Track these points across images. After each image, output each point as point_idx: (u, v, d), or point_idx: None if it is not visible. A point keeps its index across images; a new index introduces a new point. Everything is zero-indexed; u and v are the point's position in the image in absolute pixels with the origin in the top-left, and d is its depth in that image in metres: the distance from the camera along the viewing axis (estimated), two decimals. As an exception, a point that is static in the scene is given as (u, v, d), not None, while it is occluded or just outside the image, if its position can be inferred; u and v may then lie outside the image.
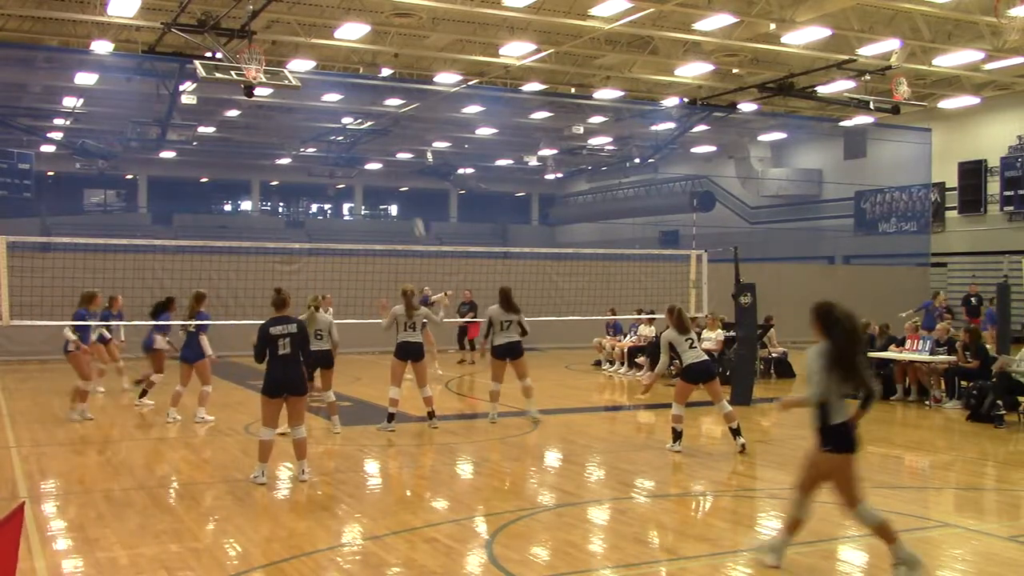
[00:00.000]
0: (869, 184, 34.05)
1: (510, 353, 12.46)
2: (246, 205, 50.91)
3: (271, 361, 8.97)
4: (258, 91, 18.31)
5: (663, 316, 13.85)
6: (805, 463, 6.47)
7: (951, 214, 31.11)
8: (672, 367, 13.02)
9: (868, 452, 11.32)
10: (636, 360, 19.65)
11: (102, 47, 22.49)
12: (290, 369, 8.99)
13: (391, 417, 12.13)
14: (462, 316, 19.87)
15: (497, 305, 12.56)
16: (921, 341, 15.27)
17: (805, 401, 6.41)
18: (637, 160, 39.53)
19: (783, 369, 19.22)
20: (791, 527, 6.49)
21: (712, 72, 26.22)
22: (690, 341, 10.88)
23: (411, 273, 21.05)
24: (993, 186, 29.40)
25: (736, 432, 10.94)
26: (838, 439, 6.24)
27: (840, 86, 25.57)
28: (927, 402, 14.90)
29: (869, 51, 22.96)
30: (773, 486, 9.52)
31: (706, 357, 11.16)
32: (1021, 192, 28.16)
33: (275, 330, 9.00)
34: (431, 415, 12.43)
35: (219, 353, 17.61)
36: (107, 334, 16.11)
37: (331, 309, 15.77)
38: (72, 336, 12.95)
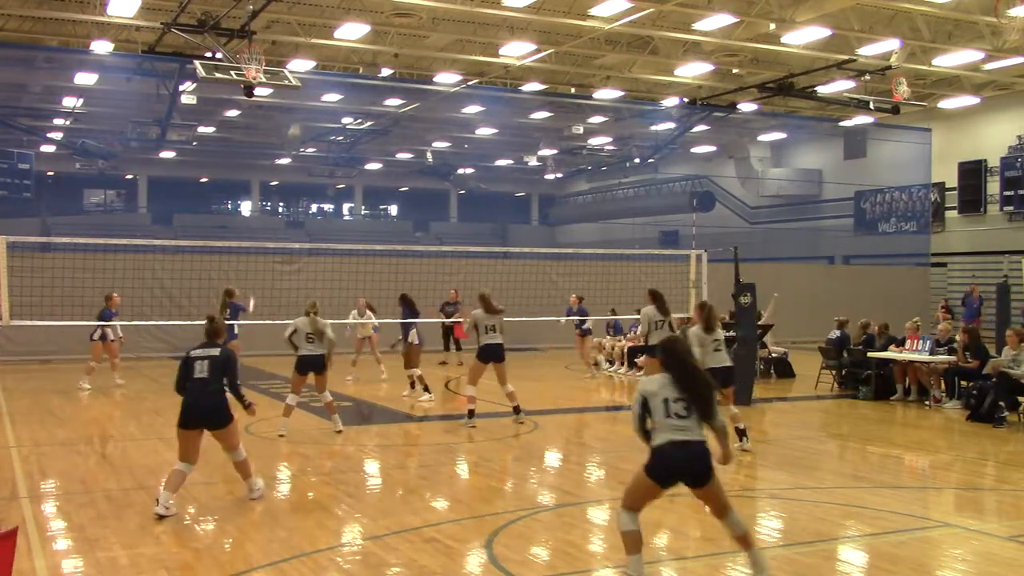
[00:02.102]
0: (869, 184, 34.05)
1: (493, 356, 12.47)
2: (246, 205, 50.90)
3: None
4: (258, 91, 18.31)
5: (676, 316, 13.96)
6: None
7: (951, 214, 31.11)
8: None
9: (868, 452, 11.38)
10: (636, 360, 19.64)
11: (102, 47, 22.48)
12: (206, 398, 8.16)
13: (471, 413, 12.42)
14: (447, 316, 19.73)
15: (480, 309, 12.56)
16: (921, 341, 15.27)
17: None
18: (637, 160, 39.53)
19: (783, 369, 19.21)
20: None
21: (712, 72, 26.22)
22: (716, 343, 10.68)
23: (411, 273, 21.07)
24: (993, 186, 29.40)
25: (742, 433, 10.91)
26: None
27: (840, 86, 25.57)
28: (927, 402, 14.90)
29: (869, 51, 22.96)
30: (773, 486, 9.53)
31: (730, 362, 11.02)
32: (1021, 192, 28.15)
33: (195, 353, 8.30)
34: (517, 410, 12.60)
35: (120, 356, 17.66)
36: (109, 333, 16.21)
37: (370, 313, 17.23)
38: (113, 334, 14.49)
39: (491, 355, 12.38)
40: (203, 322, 13.07)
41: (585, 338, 19.11)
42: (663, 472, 6.00)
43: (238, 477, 9.50)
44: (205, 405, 8.10)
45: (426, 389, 14.69)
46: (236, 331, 15.20)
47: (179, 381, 8.26)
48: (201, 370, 8.13)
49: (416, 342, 14.67)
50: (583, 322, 18.96)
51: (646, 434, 6.16)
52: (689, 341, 10.59)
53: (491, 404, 13.58)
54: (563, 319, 19.39)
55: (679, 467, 5.99)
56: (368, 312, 17.40)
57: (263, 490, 8.50)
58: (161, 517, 7.65)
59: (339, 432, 11.78)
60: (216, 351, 8.28)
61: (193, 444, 8.11)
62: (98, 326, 16.19)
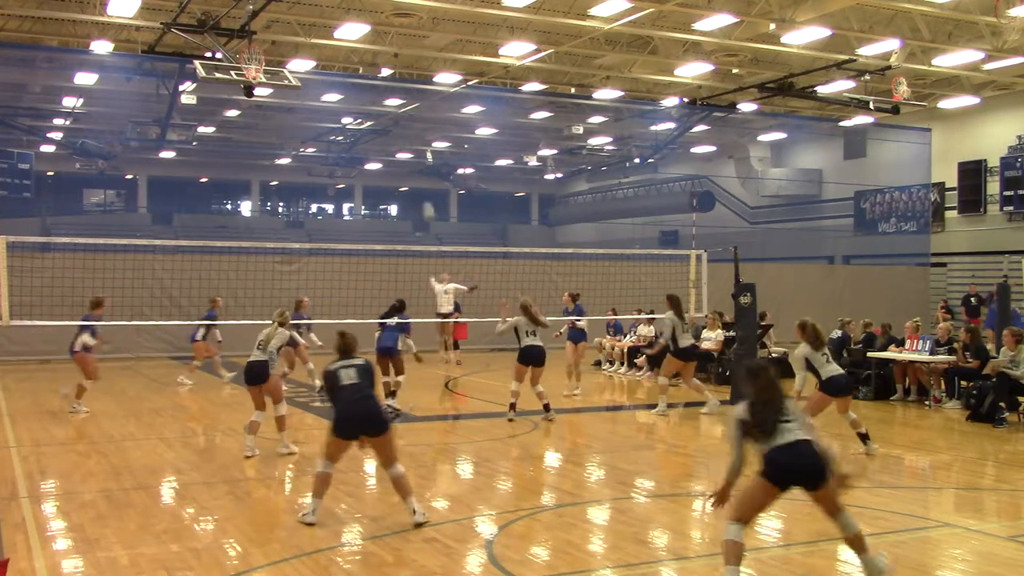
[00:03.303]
0: (869, 184, 34.04)
1: (534, 359, 12.95)
2: (246, 205, 50.88)
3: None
4: (258, 91, 18.28)
5: (663, 316, 14.01)
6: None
7: (951, 214, 31.08)
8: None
9: (868, 452, 11.36)
10: (635, 360, 19.66)
11: (102, 47, 22.47)
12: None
13: (513, 407, 12.97)
14: (445, 316, 19.68)
15: (521, 316, 13.02)
16: (921, 341, 15.27)
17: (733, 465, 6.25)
18: (637, 160, 39.48)
19: (783, 369, 19.16)
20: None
21: (712, 72, 26.21)
22: (826, 356, 10.75)
23: (411, 273, 21.07)
24: (993, 186, 29.37)
25: (864, 437, 10.93)
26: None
27: (840, 86, 25.55)
28: (927, 402, 14.90)
29: (869, 51, 22.95)
30: (773, 486, 9.51)
31: (842, 371, 11.07)
32: (1021, 192, 28.13)
33: (335, 366, 7.98)
34: (547, 408, 13.05)
35: (220, 353, 17.69)
36: (211, 333, 17.01)
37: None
38: (91, 341, 13.38)
39: (532, 357, 12.89)
40: (201, 322, 13.08)
41: (578, 344, 16.37)
42: (780, 476, 6.03)
43: (239, 478, 9.51)
44: (360, 411, 7.69)
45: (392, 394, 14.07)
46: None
47: (329, 393, 7.89)
48: (349, 377, 7.78)
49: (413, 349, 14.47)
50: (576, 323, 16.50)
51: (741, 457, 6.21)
52: (799, 362, 10.78)
53: (491, 404, 13.57)
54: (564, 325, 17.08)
55: (793, 470, 6.04)
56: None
57: (426, 516, 7.64)
58: (309, 524, 7.57)
59: (289, 454, 10.66)
60: (359, 360, 7.97)
61: (343, 450, 7.88)
62: (200, 326, 16.80)
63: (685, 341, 13.80)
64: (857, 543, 6.12)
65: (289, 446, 10.77)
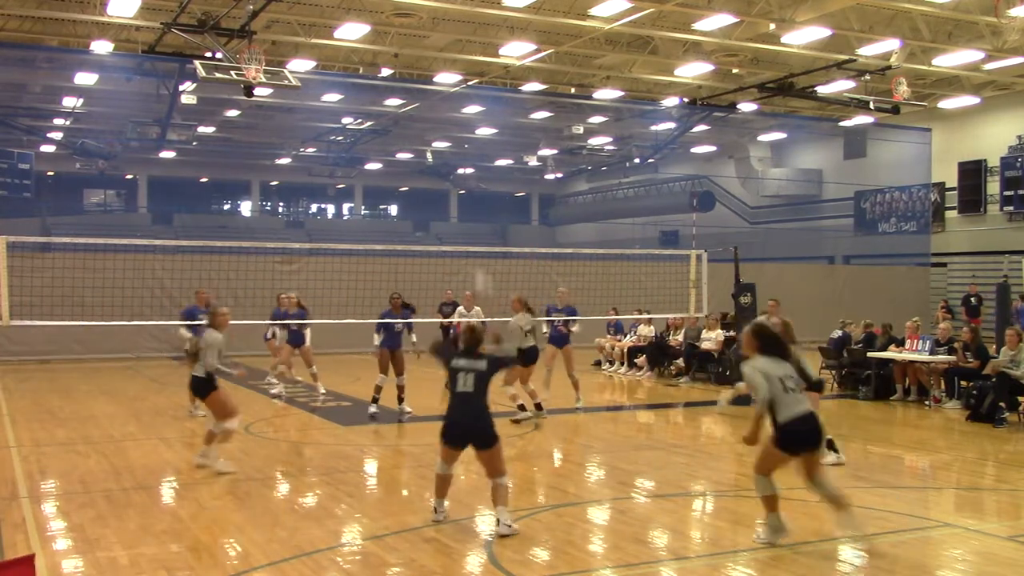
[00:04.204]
0: (869, 184, 34.05)
1: (532, 359, 13.05)
2: (246, 205, 50.91)
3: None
4: (258, 91, 18.29)
5: (676, 316, 13.85)
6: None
7: (951, 214, 31.10)
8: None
9: (868, 452, 11.37)
10: (635, 360, 19.66)
11: (102, 47, 22.49)
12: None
13: (540, 406, 13.19)
14: (445, 316, 19.62)
15: (523, 313, 13.11)
16: (921, 341, 15.27)
17: (759, 412, 6.96)
18: (637, 160, 39.51)
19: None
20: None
21: (712, 72, 26.22)
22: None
23: (411, 273, 21.07)
24: (993, 186, 29.39)
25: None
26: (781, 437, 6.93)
27: (840, 86, 25.57)
28: (927, 402, 14.90)
29: (869, 51, 22.96)
30: (773, 486, 9.52)
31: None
32: (1021, 192, 28.15)
33: (458, 363, 7.62)
34: (539, 407, 13.22)
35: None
36: (279, 332, 16.65)
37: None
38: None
39: (532, 358, 13.00)
40: (202, 323, 13.13)
41: (564, 348, 14.45)
42: (795, 444, 6.87)
43: (240, 478, 9.51)
44: (468, 424, 7.50)
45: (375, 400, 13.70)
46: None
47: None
48: (465, 384, 7.51)
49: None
50: (567, 325, 14.57)
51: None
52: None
53: (492, 404, 13.55)
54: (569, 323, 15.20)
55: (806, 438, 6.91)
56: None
57: (513, 529, 7.29)
58: (437, 521, 7.61)
59: (222, 473, 9.50)
60: (483, 364, 7.58)
61: (455, 455, 7.69)
62: (271, 325, 16.87)
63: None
64: (836, 502, 6.98)
65: (209, 458, 9.54)
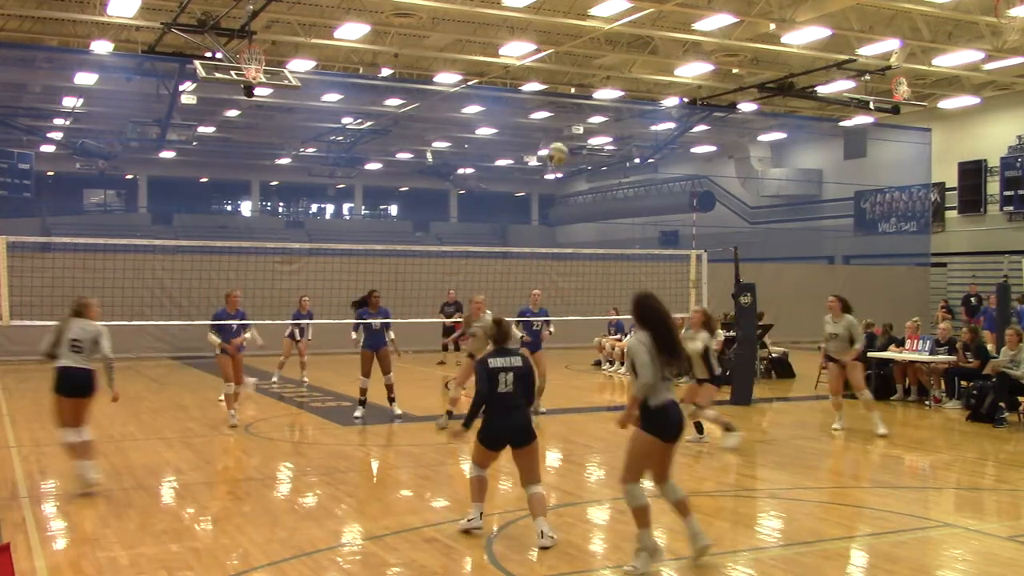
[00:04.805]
0: (869, 184, 34.04)
1: None
2: (246, 205, 50.90)
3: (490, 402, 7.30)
4: (258, 91, 18.28)
5: (675, 316, 13.70)
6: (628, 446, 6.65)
7: (951, 214, 31.08)
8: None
9: (868, 452, 11.37)
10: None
11: (102, 47, 22.47)
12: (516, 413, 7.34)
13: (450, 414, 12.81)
14: (448, 317, 19.59)
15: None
16: (921, 341, 15.27)
17: (638, 393, 6.49)
18: (637, 160, 39.50)
19: (783, 369, 19.21)
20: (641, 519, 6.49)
21: (712, 72, 26.20)
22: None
23: (411, 273, 21.07)
24: (993, 186, 29.37)
25: (699, 427, 11.38)
26: (653, 421, 6.44)
27: (840, 86, 25.55)
28: (927, 402, 14.90)
29: (869, 51, 22.95)
30: (773, 486, 9.53)
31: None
32: (1021, 192, 28.13)
33: (496, 363, 7.33)
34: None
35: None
36: (297, 333, 17.25)
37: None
38: (216, 340, 12.51)
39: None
40: (202, 322, 13.08)
41: (536, 353, 13.33)
42: (671, 429, 6.48)
43: (239, 478, 9.51)
44: (511, 424, 7.26)
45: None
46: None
47: (481, 384, 7.27)
48: (507, 383, 7.23)
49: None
50: (539, 327, 14.01)
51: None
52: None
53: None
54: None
55: (680, 424, 6.53)
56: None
57: (555, 539, 7.03)
58: (467, 531, 7.36)
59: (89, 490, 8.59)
60: (519, 360, 7.37)
61: (492, 459, 7.45)
62: (292, 325, 17.27)
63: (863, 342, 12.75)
64: (681, 507, 6.65)
65: (87, 475, 8.65)
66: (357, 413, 13.15)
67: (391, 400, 13.39)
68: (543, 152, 15.83)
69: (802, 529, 7.78)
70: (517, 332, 12.35)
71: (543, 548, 6.92)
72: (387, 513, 8.19)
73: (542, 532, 7.00)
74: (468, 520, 7.39)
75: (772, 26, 21.23)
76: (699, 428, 11.48)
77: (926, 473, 10.64)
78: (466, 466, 10.46)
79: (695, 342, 10.82)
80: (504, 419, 7.23)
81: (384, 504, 8.69)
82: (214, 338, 12.54)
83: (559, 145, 14.40)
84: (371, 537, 7.37)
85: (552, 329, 14.22)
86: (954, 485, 9.92)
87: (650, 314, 6.58)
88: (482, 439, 7.30)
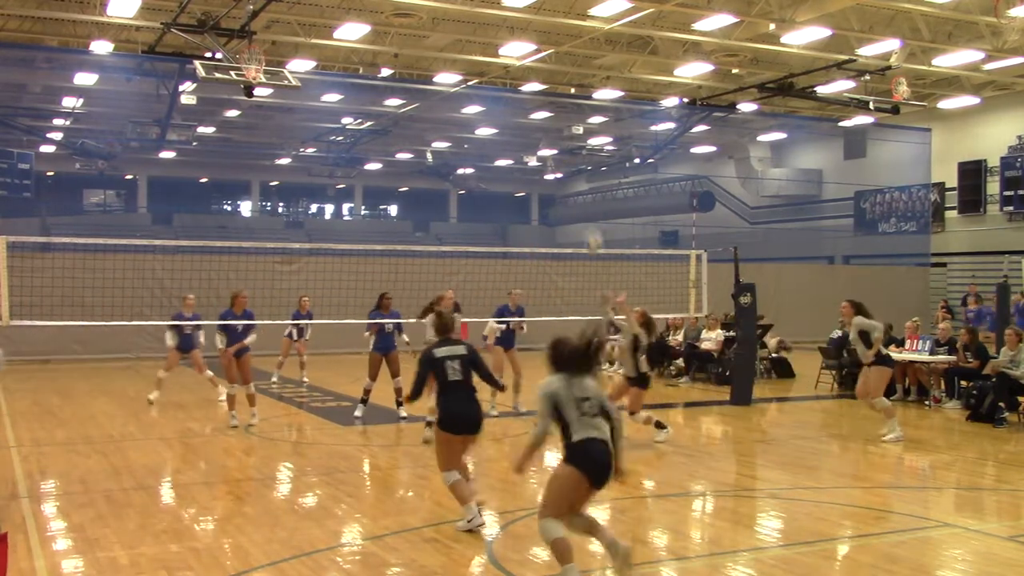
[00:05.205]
0: (869, 184, 34.05)
1: None
2: (246, 205, 50.90)
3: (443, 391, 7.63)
4: (258, 91, 18.28)
5: (676, 316, 13.65)
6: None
7: (951, 214, 31.09)
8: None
9: (868, 452, 11.37)
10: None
11: (102, 47, 22.47)
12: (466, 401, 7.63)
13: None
14: None
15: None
16: (921, 341, 15.27)
17: (532, 440, 6.26)
18: (637, 160, 39.50)
19: (783, 369, 19.22)
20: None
21: (712, 72, 26.21)
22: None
23: (411, 273, 21.05)
24: (993, 186, 29.38)
25: (661, 425, 11.35)
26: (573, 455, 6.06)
27: (840, 86, 25.56)
28: (927, 402, 14.91)
29: (869, 51, 22.95)
30: (773, 486, 9.53)
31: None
32: (1021, 192, 28.14)
33: (440, 352, 7.68)
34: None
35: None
36: (295, 332, 17.40)
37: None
38: (219, 343, 12.44)
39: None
40: (202, 322, 13.06)
41: (510, 351, 13.83)
42: (595, 467, 5.99)
43: (239, 478, 9.52)
44: (469, 413, 7.56)
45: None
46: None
47: (423, 374, 7.60)
48: (455, 372, 7.58)
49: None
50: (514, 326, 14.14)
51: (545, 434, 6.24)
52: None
53: (490, 404, 13.54)
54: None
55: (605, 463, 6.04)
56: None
57: (476, 521, 7.38)
58: (470, 530, 7.40)
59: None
60: (463, 349, 7.75)
61: (459, 451, 7.60)
62: (291, 325, 17.34)
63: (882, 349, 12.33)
64: (591, 529, 6.16)
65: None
66: (357, 412, 13.09)
67: (399, 404, 13.29)
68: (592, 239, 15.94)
69: (802, 529, 7.78)
70: (458, 322, 11.86)
71: (477, 528, 7.30)
72: (387, 513, 8.19)
73: (480, 511, 7.46)
74: (468, 521, 7.41)
75: (772, 26, 21.24)
76: (659, 425, 11.40)
77: (926, 473, 10.64)
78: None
79: (627, 336, 10.92)
80: (462, 406, 7.54)
81: (384, 504, 8.69)
82: (219, 340, 12.45)
83: (595, 239, 15.02)
84: (371, 537, 7.37)
85: (524, 327, 14.22)
86: (954, 485, 9.92)
87: (562, 358, 6.21)
88: (446, 426, 7.51)
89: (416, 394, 7.71)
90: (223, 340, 12.37)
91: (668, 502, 8.86)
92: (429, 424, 11.60)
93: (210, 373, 14.80)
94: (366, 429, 12.61)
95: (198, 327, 14.58)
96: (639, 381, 11.06)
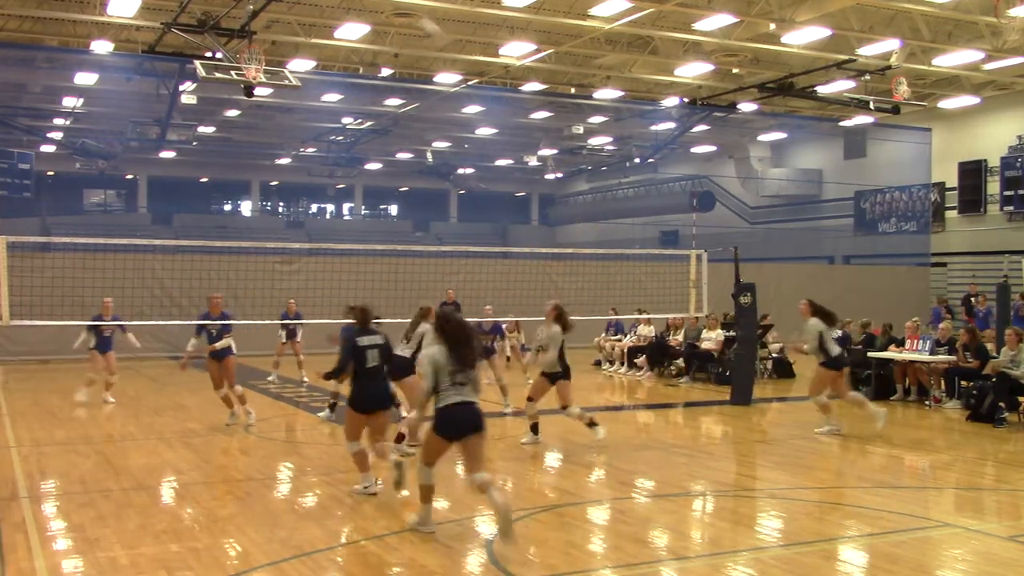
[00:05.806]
0: (869, 184, 34.04)
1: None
2: (246, 205, 50.90)
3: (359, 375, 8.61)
4: (258, 91, 18.26)
5: (676, 316, 13.67)
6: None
7: (951, 214, 31.09)
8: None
9: (868, 452, 11.38)
10: (635, 360, 19.66)
11: (102, 47, 22.47)
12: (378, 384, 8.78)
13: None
14: None
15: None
16: (921, 341, 15.27)
17: (418, 401, 7.42)
18: (637, 160, 39.49)
19: (783, 369, 19.21)
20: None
21: (712, 72, 26.20)
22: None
23: (411, 273, 21.07)
24: (993, 186, 29.38)
25: (593, 424, 11.34)
26: (438, 420, 7.17)
27: (840, 86, 25.55)
28: (927, 402, 14.90)
29: (869, 51, 22.95)
30: (773, 486, 9.53)
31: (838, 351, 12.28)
32: (1021, 192, 28.13)
33: (362, 342, 8.66)
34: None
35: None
36: (296, 332, 17.49)
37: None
38: (190, 346, 12.51)
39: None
40: (201, 322, 13.05)
41: (490, 358, 14.90)
42: (453, 429, 7.14)
43: (239, 478, 9.51)
44: (378, 393, 8.69)
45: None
46: None
47: (344, 365, 8.63)
48: (373, 359, 8.60)
49: None
50: (489, 342, 15.33)
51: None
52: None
53: (490, 404, 13.55)
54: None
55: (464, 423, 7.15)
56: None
57: (372, 488, 8.60)
58: (370, 494, 8.52)
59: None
60: (380, 339, 8.77)
61: (361, 426, 8.63)
62: (285, 325, 17.46)
63: (835, 349, 12.38)
64: (481, 487, 7.05)
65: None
66: (322, 414, 13.29)
67: (397, 404, 13.32)
68: None
69: (802, 529, 7.79)
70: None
71: (397, 464, 8.16)
72: (387, 513, 8.19)
73: (365, 481, 8.56)
74: (364, 487, 8.53)
75: (772, 26, 21.24)
76: (534, 429, 11.42)
77: (926, 473, 10.64)
78: (460, 468, 10.47)
79: (548, 334, 11.10)
80: (373, 388, 8.59)
81: (384, 504, 8.68)
82: (192, 343, 12.57)
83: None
84: (371, 537, 7.37)
85: (496, 346, 15.66)
86: (954, 485, 9.92)
87: (451, 330, 7.21)
88: (355, 406, 8.58)
89: (336, 374, 8.80)
90: (194, 344, 12.45)
91: (668, 502, 8.86)
92: (333, 406, 12.83)
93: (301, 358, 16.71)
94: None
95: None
96: (565, 375, 11.14)
